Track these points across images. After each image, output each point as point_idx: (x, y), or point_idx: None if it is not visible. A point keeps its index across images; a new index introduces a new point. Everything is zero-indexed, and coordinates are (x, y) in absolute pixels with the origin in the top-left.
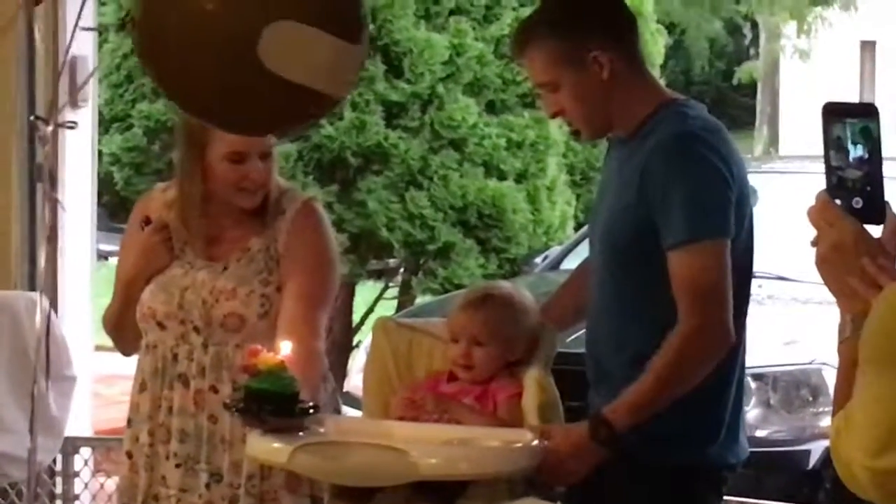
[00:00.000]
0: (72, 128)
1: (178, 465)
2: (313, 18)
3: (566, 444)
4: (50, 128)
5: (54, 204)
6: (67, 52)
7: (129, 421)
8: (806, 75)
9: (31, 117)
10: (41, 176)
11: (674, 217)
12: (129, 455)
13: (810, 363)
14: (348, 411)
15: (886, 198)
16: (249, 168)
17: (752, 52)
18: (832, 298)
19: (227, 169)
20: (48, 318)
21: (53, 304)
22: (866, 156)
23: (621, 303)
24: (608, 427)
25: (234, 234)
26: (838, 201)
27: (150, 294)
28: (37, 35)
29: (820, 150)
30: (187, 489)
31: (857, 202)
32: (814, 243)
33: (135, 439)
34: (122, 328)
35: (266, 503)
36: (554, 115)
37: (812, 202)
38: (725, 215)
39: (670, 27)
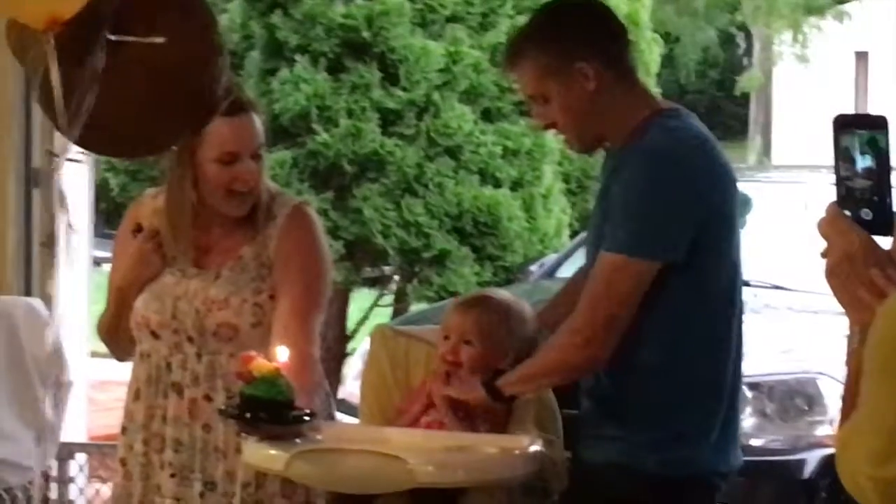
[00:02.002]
0: (78, 161)
1: (172, 475)
2: None
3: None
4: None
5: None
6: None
7: (124, 429)
8: (800, 85)
9: (47, 149)
10: (38, 181)
11: (615, 226)
12: (123, 463)
13: (806, 372)
14: (344, 418)
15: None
16: (240, 169)
17: (745, 61)
18: (828, 308)
19: (218, 171)
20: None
21: (49, 309)
22: (874, 166)
23: None
24: (496, 383)
25: (225, 243)
26: (847, 212)
27: (144, 303)
28: None
29: (813, 160)
30: (181, 498)
31: (867, 213)
32: (823, 255)
33: (129, 447)
34: (115, 335)
35: None
36: (546, 128)
37: (805, 211)
38: (666, 238)
39: (665, 37)
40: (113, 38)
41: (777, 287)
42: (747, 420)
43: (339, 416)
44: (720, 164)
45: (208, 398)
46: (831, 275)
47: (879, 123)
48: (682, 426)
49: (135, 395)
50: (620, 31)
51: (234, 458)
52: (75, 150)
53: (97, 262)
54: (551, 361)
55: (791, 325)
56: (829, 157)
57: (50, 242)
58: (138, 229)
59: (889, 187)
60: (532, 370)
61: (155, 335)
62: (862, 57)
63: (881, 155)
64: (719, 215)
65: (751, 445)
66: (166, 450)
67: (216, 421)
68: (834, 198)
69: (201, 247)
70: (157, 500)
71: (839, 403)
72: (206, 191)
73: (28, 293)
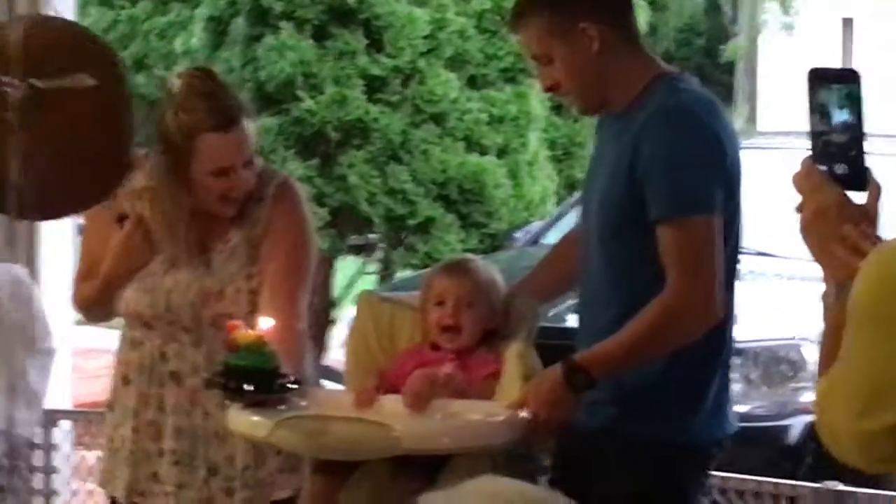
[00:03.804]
0: None
1: (175, 462)
2: None
3: (544, 404)
4: None
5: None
6: None
7: (111, 405)
8: (785, 52)
9: None
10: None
11: (661, 191)
12: (110, 440)
13: (791, 338)
14: (328, 385)
15: (869, 166)
16: (234, 179)
17: (731, 29)
18: (813, 274)
19: (213, 182)
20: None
21: (33, 276)
22: (851, 120)
23: (615, 274)
24: (584, 373)
25: (216, 229)
26: (823, 167)
27: (135, 296)
28: None
29: (799, 127)
30: (185, 485)
31: (842, 168)
32: (798, 209)
33: (115, 427)
34: (98, 311)
35: (265, 489)
36: (549, 89)
37: (792, 176)
38: (712, 192)
39: (651, 3)
40: (40, 83)
41: (761, 253)
42: (732, 386)
43: (324, 383)
44: (730, 125)
45: None
46: (805, 230)
47: (854, 77)
48: (677, 393)
49: (123, 380)
50: None
51: (232, 442)
52: None
53: (81, 229)
54: (660, 336)
55: (775, 291)
56: None
57: None
58: (123, 217)
59: (864, 142)
60: (627, 350)
61: (148, 325)
62: (848, 24)
63: (858, 110)
64: (732, 176)
65: (735, 411)
66: (165, 439)
67: (215, 407)
68: (809, 152)
69: (190, 234)
70: (157, 487)
71: None
72: (199, 194)
73: (11, 260)
